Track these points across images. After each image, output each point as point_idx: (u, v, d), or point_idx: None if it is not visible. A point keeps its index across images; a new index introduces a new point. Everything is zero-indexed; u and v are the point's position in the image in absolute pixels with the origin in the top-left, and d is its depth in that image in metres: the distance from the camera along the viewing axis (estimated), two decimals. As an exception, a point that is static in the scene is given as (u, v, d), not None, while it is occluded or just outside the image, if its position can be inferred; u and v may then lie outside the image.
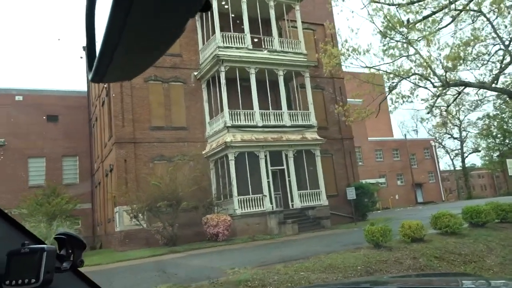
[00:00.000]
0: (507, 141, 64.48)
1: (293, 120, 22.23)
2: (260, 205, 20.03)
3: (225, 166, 20.55)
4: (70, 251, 1.09)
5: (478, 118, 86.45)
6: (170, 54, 22.84)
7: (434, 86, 15.07)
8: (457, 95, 20.29)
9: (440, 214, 10.81)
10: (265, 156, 20.88)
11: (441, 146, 75.40)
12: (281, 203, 21.63)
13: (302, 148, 21.96)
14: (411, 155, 50.05)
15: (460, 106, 69.17)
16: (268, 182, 20.65)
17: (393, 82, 15.73)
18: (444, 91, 15.10)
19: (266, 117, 21.51)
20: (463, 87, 18.23)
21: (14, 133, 30.38)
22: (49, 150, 31.50)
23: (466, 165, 76.16)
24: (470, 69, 18.54)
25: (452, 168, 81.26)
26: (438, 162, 54.14)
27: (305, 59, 23.15)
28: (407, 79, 15.75)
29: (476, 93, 18.23)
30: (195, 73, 23.09)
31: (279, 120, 21.85)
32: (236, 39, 21.71)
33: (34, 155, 31.21)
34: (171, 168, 18.11)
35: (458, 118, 70.73)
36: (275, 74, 22.40)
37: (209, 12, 22.08)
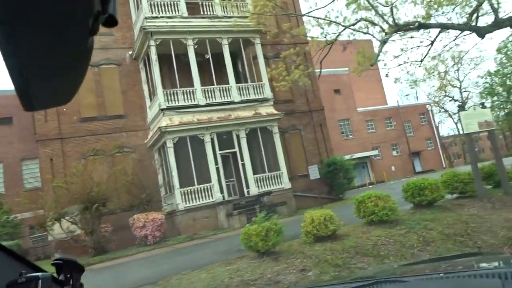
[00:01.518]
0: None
1: (243, 94, 19.32)
2: (209, 196, 17.37)
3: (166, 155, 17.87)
4: (68, 275, 1.09)
5: (479, 77, 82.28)
6: (99, 34, 19.96)
7: (383, 31, 12.04)
8: (430, 45, 17.25)
9: (365, 197, 7.93)
10: (212, 139, 18.10)
11: (443, 110, 71.98)
12: (236, 191, 18.94)
13: (256, 125, 19.10)
14: (405, 123, 46.74)
15: (459, 65, 65.49)
16: (217, 168, 17.93)
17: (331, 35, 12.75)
18: (393, 34, 12.04)
19: (210, 94, 18.63)
20: (434, 31, 15.17)
21: (-35, 141, 28.20)
22: (6, 154, 29.25)
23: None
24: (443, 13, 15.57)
25: (457, 133, 77.87)
26: (436, 127, 50.73)
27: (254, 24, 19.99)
28: (351, 28, 12.73)
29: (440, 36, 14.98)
30: (130, 52, 20.22)
31: (226, 96, 18.96)
32: (168, 6, 18.68)
33: (-10, 161, 29.02)
34: (81, 166, 15.47)
35: (458, 79, 67.06)
36: (219, 44, 19.42)
37: (137, -20, 19.09)
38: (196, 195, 17.19)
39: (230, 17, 19.83)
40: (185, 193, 17.04)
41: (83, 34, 0.52)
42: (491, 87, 61.00)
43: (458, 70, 66.48)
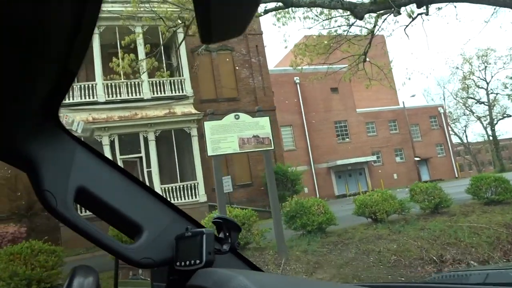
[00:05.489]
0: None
1: (156, 91, 16.70)
2: (101, 208, 14.89)
3: (58, 159, 15.58)
4: (227, 234, 1.13)
5: (508, 77, 75.15)
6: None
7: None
8: (370, 33, 13.97)
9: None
10: (112, 141, 15.63)
11: (470, 113, 65.70)
12: (141, 203, 16.33)
13: (169, 127, 16.43)
14: (412, 126, 42.22)
15: (485, 64, 59.44)
16: (115, 176, 15.41)
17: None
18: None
19: (114, 90, 16.17)
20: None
21: None
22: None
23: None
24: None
25: (484, 139, 71.09)
26: (448, 132, 45.66)
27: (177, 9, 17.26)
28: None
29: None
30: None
31: (135, 93, 16.42)
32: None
33: None
34: None
35: (484, 79, 60.94)
36: (130, 32, 16.87)
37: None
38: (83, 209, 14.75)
39: (148, 1, 17.27)
40: (71, 204, 14.68)
41: None
42: (520, 87, 54.85)
43: (484, 69, 60.69)
